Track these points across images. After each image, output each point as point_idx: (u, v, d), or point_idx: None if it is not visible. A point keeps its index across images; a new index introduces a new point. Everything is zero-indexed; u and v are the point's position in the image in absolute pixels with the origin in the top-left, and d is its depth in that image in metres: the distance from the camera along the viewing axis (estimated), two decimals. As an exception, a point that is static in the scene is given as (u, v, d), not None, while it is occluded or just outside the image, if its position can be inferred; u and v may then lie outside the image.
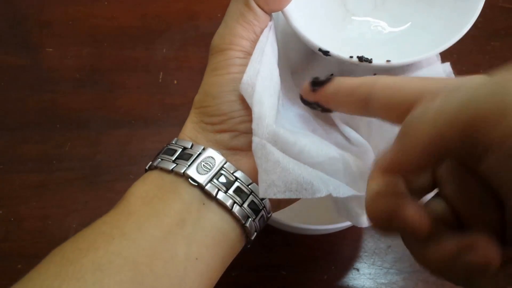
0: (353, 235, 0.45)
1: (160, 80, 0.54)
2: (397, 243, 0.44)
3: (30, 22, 0.58)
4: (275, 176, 0.25)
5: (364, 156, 0.30)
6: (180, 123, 0.51)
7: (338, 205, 0.30)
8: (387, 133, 0.31)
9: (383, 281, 0.43)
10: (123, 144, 0.49)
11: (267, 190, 0.25)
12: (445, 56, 0.30)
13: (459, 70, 0.31)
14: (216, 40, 0.28)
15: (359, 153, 0.31)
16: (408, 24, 0.32)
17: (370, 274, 0.43)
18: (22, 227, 0.43)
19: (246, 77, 0.27)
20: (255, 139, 0.25)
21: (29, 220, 0.44)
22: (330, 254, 0.44)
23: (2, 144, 0.48)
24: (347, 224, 0.38)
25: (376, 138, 0.32)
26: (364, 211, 0.28)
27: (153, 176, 0.28)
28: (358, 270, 0.44)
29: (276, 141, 0.26)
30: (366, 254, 0.44)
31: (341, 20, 0.33)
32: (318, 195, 0.26)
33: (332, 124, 0.33)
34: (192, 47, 0.56)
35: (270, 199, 0.29)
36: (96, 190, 0.47)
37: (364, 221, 0.30)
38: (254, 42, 0.28)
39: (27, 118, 0.50)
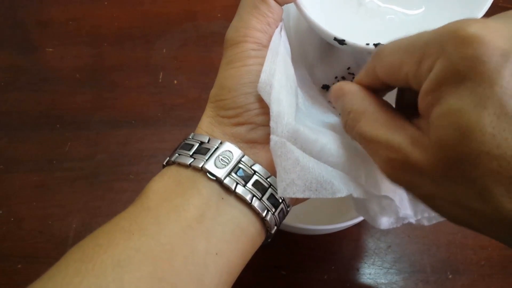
0: (353, 235, 0.45)
1: (160, 80, 0.54)
2: (397, 243, 0.44)
3: (30, 22, 0.58)
4: (295, 175, 0.25)
5: None
6: (180, 123, 0.51)
7: (358, 204, 0.30)
8: None
9: (383, 281, 0.43)
10: (123, 144, 0.49)
11: (286, 189, 0.25)
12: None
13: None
14: (230, 33, 0.28)
15: None
16: (422, 10, 0.32)
17: (370, 274, 0.43)
18: (22, 227, 0.43)
19: (263, 76, 0.27)
20: (273, 138, 0.25)
21: (29, 220, 0.44)
22: (330, 254, 0.44)
23: (2, 144, 0.48)
24: (347, 224, 0.38)
25: None
26: (384, 213, 0.29)
27: (171, 171, 0.28)
28: (358, 270, 0.44)
29: (296, 139, 0.26)
30: (366, 254, 0.44)
31: (354, 9, 0.33)
32: (339, 195, 0.26)
33: None
34: (192, 47, 0.56)
35: None
36: (96, 190, 0.47)
37: (382, 222, 0.30)
38: (268, 34, 0.28)
39: (27, 118, 0.50)
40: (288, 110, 0.26)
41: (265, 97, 0.26)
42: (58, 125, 0.50)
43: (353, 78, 0.36)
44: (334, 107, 0.34)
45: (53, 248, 0.43)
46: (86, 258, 0.23)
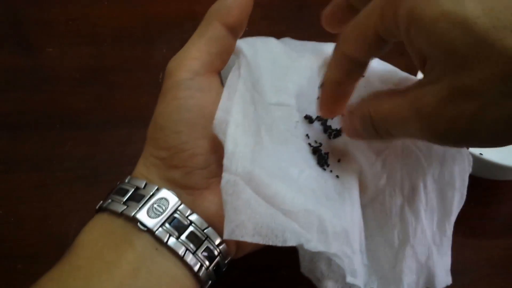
0: (353, 235, 0.45)
1: (160, 80, 0.53)
2: (397, 243, 0.44)
3: (30, 22, 0.58)
4: (245, 217, 0.24)
5: (342, 214, 0.29)
6: (180, 123, 0.51)
7: (305, 261, 0.29)
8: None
9: (383, 281, 0.43)
10: (123, 144, 0.49)
11: (234, 230, 0.23)
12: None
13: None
14: (169, 64, 0.27)
15: (341, 209, 0.29)
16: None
17: (370, 274, 0.43)
18: (22, 227, 0.43)
19: (219, 114, 0.26)
20: (225, 175, 0.24)
21: (29, 220, 0.44)
22: (330, 254, 0.44)
23: (2, 144, 0.48)
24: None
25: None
26: (331, 275, 0.27)
27: (102, 220, 0.26)
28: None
29: (250, 180, 0.24)
30: (366, 254, 0.44)
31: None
32: (289, 244, 0.24)
33: (324, 173, 0.32)
34: (192, 47, 0.56)
35: (228, 244, 0.27)
36: (96, 190, 0.46)
37: (328, 286, 0.28)
38: (208, 62, 0.27)
39: (27, 118, 0.50)
40: (243, 149, 0.25)
41: (220, 136, 0.25)
42: (58, 125, 0.50)
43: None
44: (309, 144, 0.33)
45: (53, 248, 0.43)
46: None
